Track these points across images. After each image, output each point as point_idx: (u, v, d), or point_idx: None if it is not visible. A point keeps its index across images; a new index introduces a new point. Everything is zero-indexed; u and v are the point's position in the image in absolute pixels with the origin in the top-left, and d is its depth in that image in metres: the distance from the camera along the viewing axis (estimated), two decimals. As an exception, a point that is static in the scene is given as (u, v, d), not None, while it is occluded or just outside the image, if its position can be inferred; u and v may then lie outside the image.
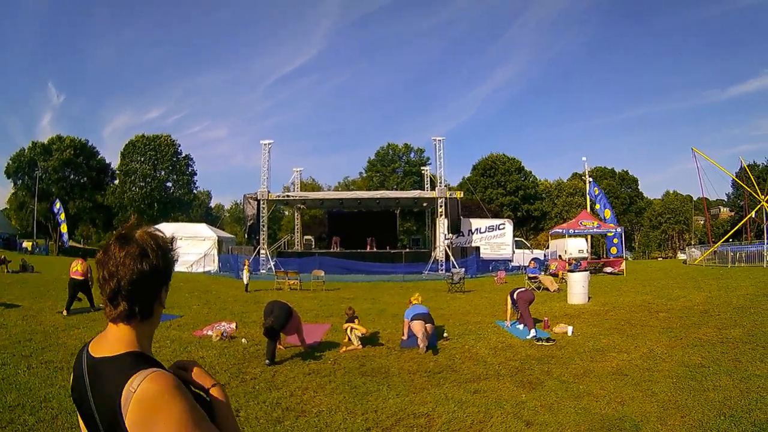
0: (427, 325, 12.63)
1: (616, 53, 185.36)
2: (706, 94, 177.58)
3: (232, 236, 60.90)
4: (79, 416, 1.97)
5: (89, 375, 1.93)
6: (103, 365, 1.92)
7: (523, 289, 16.30)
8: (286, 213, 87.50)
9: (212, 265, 45.96)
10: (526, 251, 47.73)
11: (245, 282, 29.45)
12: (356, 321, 13.40)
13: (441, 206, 42.69)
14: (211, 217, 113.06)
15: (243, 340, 13.48)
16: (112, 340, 1.98)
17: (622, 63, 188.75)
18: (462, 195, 46.40)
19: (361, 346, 12.73)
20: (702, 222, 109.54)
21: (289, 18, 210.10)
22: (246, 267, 30.65)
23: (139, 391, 1.77)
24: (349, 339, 12.94)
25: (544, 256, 46.70)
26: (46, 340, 12.62)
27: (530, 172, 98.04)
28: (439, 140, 43.79)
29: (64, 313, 16.71)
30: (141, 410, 1.76)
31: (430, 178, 53.37)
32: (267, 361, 11.06)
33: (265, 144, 44.10)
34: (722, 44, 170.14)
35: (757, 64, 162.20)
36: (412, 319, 12.82)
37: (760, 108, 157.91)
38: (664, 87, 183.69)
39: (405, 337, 13.26)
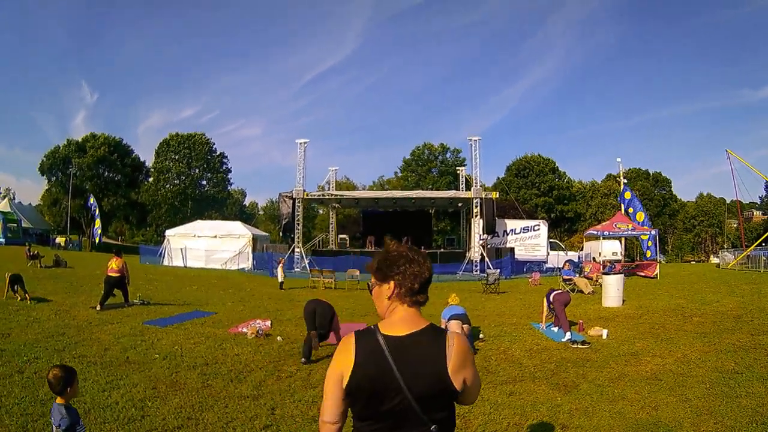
0: (464, 326, 12.61)
1: (650, 52, 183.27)
2: (739, 94, 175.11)
3: (267, 234, 61.04)
4: (353, 391, 2.64)
5: (393, 350, 2.62)
6: (415, 338, 2.68)
7: (559, 291, 16.29)
8: (321, 212, 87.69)
9: (246, 263, 46.02)
10: (561, 253, 47.32)
11: (280, 280, 29.67)
12: None
13: (476, 206, 42.64)
14: (245, 215, 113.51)
15: (278, 338, 13.64)
16: (409, 320, 2.75)
17: (655, 62, 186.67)
18: (497, 195, 46.14)
19: None
20: (735, 225, 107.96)
21: (323, 16, 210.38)
22: (281, 265, 30.94)
23: (457, 343, 2.69)
24: None
25: (578, 257, 46.34)
26: (79, 335, 12.79)
27: (564, 173, 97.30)
28: (475, 140, 43.64)
29: (98, 308, 16.85)
30: (460, 356, 2.66)
31: (465, 178, 53.23)
32: (303, 360, 11.23)
33: (300, 143, 44.17)
34: (755, 43, 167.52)
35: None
36: (449, 320, 12.79)
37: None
38: (697, 86, 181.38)
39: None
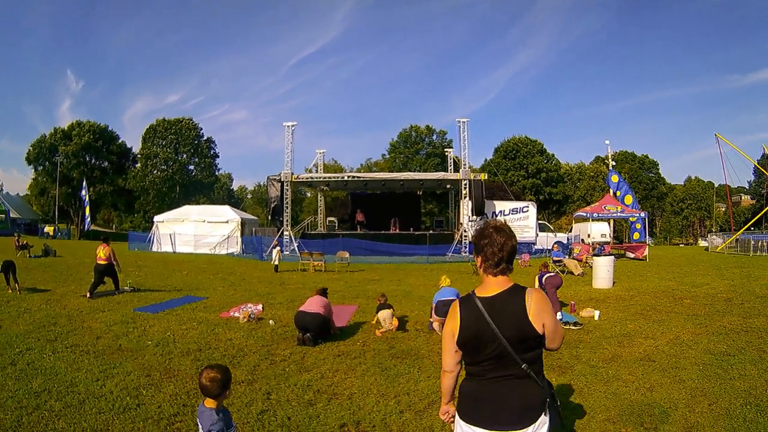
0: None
1: (639, 35, 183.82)
2: (727, 79, 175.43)
3: (255, 218, 60.98)
4: (453, 343, 3.59)
5: (488, 307, 3.49)
6: (502, 296, 3.53)
7: (551, 273, 16.32)
8: (308, 195, 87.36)
9: (235, 247, 46.03)
10: (550, 234, 47.44)
11: (275, 263, 29.81)
12: (392, 310, 13.20)
13: (465, 188, 42.66)
14: (233, 199, 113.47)
15: (270, 321, 13.58)
16: (496, 283, 3.58)
17: (643, 46, 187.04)
18: (486, 177, 46.10)
19: (395, 327, 12.80)
20: (723, 209, 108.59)
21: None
22: (276, 247, 31.24)
23: (534, 296, 3.49)
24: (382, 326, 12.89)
25: (567, 239, 46.52)
26: (70, 324, 12.75)
27: (553, 155, 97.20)
28: (464, 122, 43.47)
29: (88, 296, 16.83)
30: (537, 305, 3.46)
31: (454, 160, 53.19)
32: (299, 336, 11.27)
33: (288, 126, 43.94)
34: (744, 28, 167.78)
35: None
36: (437, 312, 12.81)
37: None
38: (685, 71, 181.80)
39: (435, 326, 13.25)
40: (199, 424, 4.52)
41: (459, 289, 13.33)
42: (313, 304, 11.85)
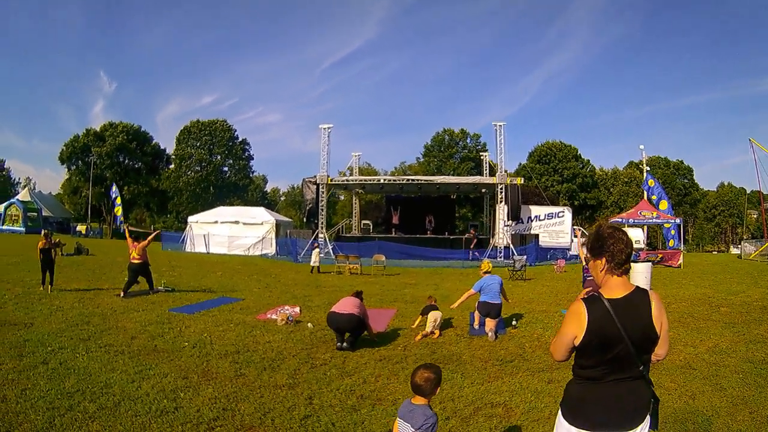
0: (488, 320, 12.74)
1: (672, 39, 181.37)
2: (763, 82, 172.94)
3: (290, 220, 61.01)
4: (599, 346, 3.46)
5: (616, 309, 3.44)
6: (630, 297, 3.53)
7: (592, 277, 15.97)
8: (342, 197, 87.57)
9: (270, 249, 45.97)
10: (582, 239, 47.02)
11: (315, 264, 29.94)
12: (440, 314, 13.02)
13: (501, 192, 42.26)
14: (266, 201, 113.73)
15: (309, 324, 13.30)
16: (621, 285, 3.58)
17: (677, 49, 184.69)
18: (522, 181, 45.74)
19: (437, 334, 12.52)
20: (756, 216, 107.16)
21: (342, 3, 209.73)
22: (316, 249, 31.32)
23: (656, 298, 3.59)
24: (426, 328, 12.68)
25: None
26: (104, 323, 12.53)
27: (588, 161, 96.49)
28: (500, 125, 42.95)
29: (122, 295, 16.68)
30: (658, 307, 3.55)
31: (489, 164, 53.13)
32: (338, 344, 10.90)
33: (324, 128, 43.87)
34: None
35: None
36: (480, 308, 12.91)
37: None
38: (719, 75, 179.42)
39: (476, 326, 13.24)
40: (404, 422, 4.64)
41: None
42: (346, 305, 11.52)
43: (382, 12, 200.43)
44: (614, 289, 3.56)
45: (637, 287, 3.61)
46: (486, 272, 13.73)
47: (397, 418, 4.75)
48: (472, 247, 43.24)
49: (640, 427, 3.53)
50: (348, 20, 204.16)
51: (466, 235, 46.36)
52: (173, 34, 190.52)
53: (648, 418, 3.59)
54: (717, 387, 8.63)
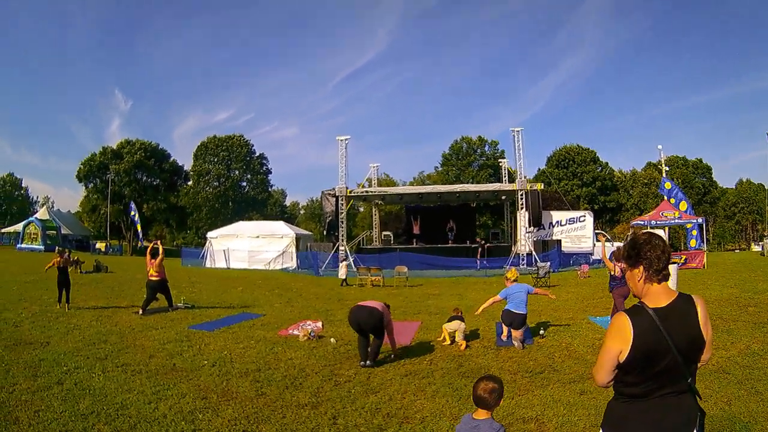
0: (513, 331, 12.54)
1: (685, 36, 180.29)
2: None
3: (310, 233, 60.82)
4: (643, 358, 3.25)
5: (662, 319, 3.26)
6: (676, 305, 3.34)
7: (617, 283, 15.63)
8: (362, 209, 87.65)
9: (291, 263, 45.73)
10: (607, 244, 46.64)
11: (343, 277, 29.81)
12: (464, 324, 12.77)
13: (522, 199, 42.14)
14: (286, 215, 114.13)
15: (332, 339, 12.97)
16: (664, 293, 3.39)
17: (689, 47, 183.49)
18: (542, 187, 45.46)
19: (463, 345, 12.19)
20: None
21: (353, 16, 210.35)
22: (344, 262, 31.39)
23: (702, 303, 3.38)
24: (453, 340, 12.48)
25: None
26: (122, 342, 12.25)
27: (606, 164, 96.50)
28: (518, 131, 42.87)
29: (140, 312, 16.43)
30: (704, 311, 3.35)
31: (508, 170, 52.97)
32: (361, 363, 10.49)
33: (341, 140, 43.87)
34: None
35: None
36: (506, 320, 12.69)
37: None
38: (734, 71, 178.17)
39: (504, 338, 12.88)
40: None
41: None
42: (371, 301, 11.28)
43: (393, 24, 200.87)
44: (657, 297, 3.40)
45: (681, 293, 3.47)
46: (513, 281, 13.40)
47: None
48: (479, 256, 43.15)
49: None
50: (360, 32, 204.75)
51: (474, 245, 45.97)
52: (187, 51, 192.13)
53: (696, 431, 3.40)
54: (752, 391, 8.42)
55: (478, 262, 41.35)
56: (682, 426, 3.33)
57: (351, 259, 40.69)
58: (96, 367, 9.69)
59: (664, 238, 3.68)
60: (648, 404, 3.33)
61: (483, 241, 46.11)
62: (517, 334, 12.33)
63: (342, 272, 30.25)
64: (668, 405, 3.32)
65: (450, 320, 12.96)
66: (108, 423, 6.89)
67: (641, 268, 3.46)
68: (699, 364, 3.49)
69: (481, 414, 4.47)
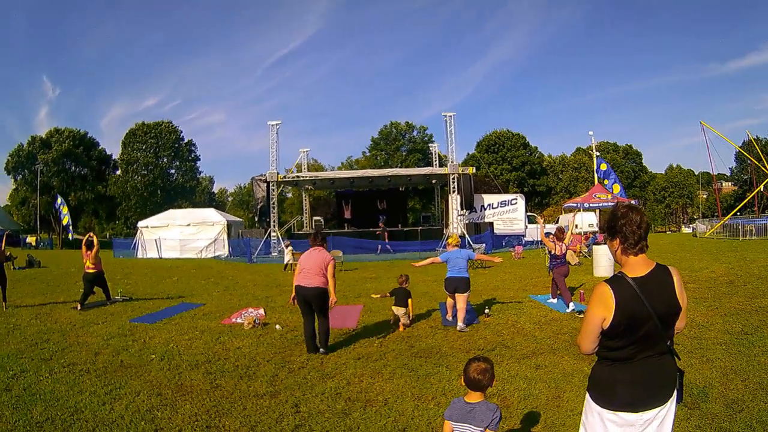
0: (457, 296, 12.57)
1: (617, 26, 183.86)
2: (706, 68, 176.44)
3: (241, 220, 60.63)
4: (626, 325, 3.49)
5: (641, 287, 3.49)
6: (653, 274, 3.59)
7: (557, 263, 15.95)
8: (289, 195, 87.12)
9: (223, 250, 45.57)
10: (537, 226, 47.61)
11: (289, 262, 29.74)
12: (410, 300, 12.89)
13: (453, 182, 42.54)
14: (215, 202, 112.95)
15: (277, 326, 12.99)
16: (642, 263, 3.61)
17: (621, 36, 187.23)
18: (474, 171, 45.90)
19: (402, 329, 12.38)
20: (705, 196, 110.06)
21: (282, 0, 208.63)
22: (290, 247, 31.33)
23: (677, 273, 3.64)
24: (396, 318, 12.69)
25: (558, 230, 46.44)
26: (64, 340, 11.92)
27: (536, 148, 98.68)
28: (450, 116, 43.24)
29: (79, 308, 16.01)
30: (679, 281, 3.59)
31: (438, 155, 53.34)
32: (310, 351, 10.38)
33: (272, 125, 43.48)
34: (721, 18, 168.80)
35: (754, 39, 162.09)
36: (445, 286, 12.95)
37: (761, 82, 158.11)
38: (664, 61, 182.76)
39: (449, 317, 13.05)
40: (465, 425, 4.37)
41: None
42: (312, 270, 10.42)
43: (323, 8, 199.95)
44: (636, 267, 3.62)
45: (658, 264, 3.67)
46: (455, 245, 13.57)
47: (450, 423, 4.46)
48: (383, 237, 44.49)
49: (669, 401, 3.64)
50: (287, 18, 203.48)
51: (377, 231, 46.48)
52: (115, 37, 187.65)
53: (675, 392, 3.69)
54: (704, 359, 8.92)
55: (378, 246, 42.41)
56: (663, 386, 3.61)
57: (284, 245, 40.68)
58: (42, 369, 9.40)
59: (643, 211, 3.79)
60: (632, 366, 3.57)
61: (383, 225, 46.50)
62: (461, 302, 12.42)
63: (288, 257, 30.15)
64: (651, 366, 3.58)
65: (395, 290, 12.98)
66: (65, 429, 6.65)
67: (617, 240, 3.68)
68: (675, 331, 3.71)
69: (475, 396, 4.43)
